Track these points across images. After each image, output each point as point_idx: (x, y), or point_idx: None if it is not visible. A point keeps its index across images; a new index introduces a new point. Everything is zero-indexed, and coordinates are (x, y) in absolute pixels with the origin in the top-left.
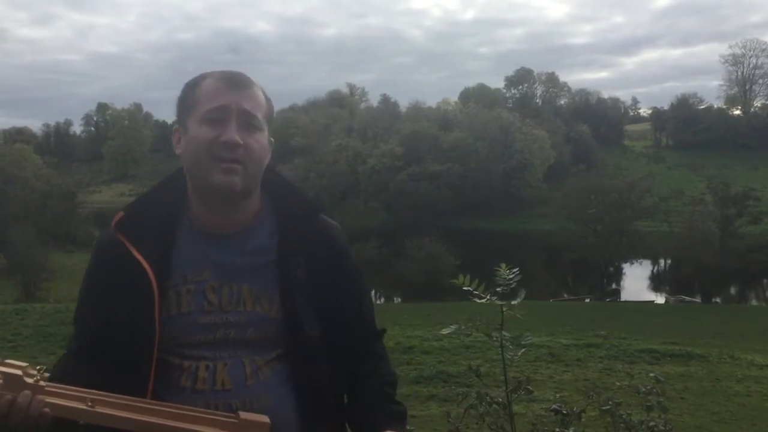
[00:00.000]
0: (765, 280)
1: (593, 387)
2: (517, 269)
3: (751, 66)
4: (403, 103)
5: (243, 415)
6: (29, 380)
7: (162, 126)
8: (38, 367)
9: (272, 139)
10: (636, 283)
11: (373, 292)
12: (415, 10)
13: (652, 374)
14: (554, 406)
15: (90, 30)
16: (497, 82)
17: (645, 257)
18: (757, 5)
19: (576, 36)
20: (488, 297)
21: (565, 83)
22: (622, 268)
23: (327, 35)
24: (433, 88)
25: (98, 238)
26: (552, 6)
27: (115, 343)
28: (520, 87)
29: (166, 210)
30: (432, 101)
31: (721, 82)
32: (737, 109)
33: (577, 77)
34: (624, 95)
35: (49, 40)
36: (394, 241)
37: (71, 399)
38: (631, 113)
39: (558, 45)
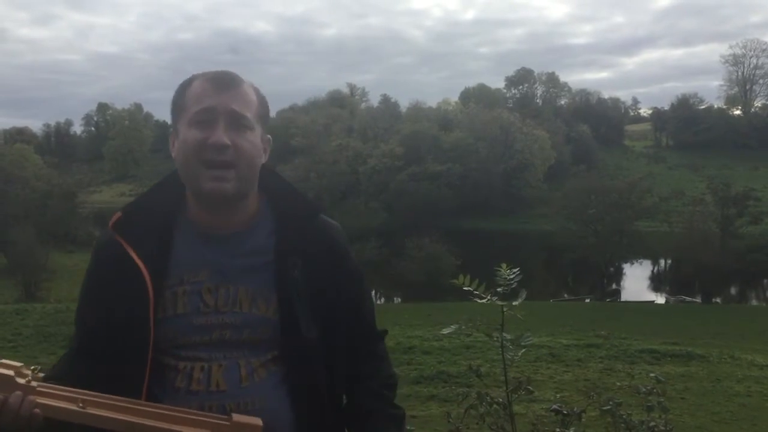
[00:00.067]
0: (765, 281)
1: (594, 387)
2: (518, 269)
3: (751, 66)
4: (404, 103)
5: (235, 417)
6: (21, 381)
7: (162, 126)
8: (32, 368)
9: (269, 137)
10: (636, 283)
11: (373, 293)
12: (415, 11)
13: (652, 374)
14: (555, 407)
15: (90, 30)
16: (498, 83)
17: (645, 257)
18: (757, 5)
19: (576, 36)
20: (489, 297)
21: (566, 83)
22: (622, 269)
23: (327, 35)
24: (434, 88)
25: (98, 238)
26: (552, 6)
27: (112, 342)
28: (521, 87)
29: (164, 210)
30: (432, 101)
31: (722, 83)
32: (738, 109)
33: (578, 77)
34: (624, 95)
35: (49, 40)
36: (395, 241)
37: (63, 400)
38: (632, 113)
39: (558, 45)
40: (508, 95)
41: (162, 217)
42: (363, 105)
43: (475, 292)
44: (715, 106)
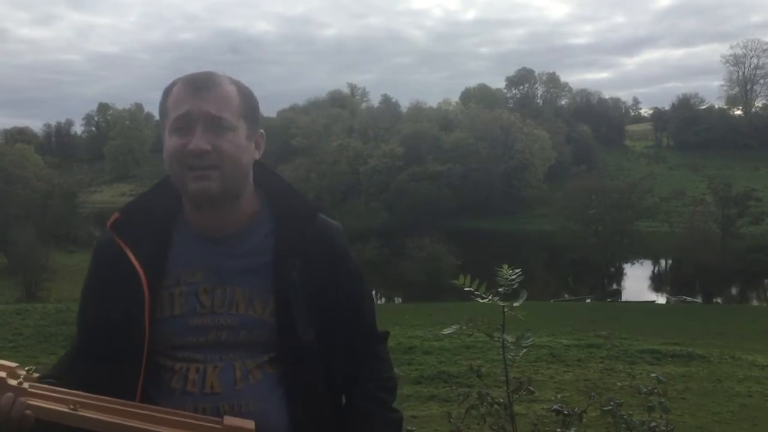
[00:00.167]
0: (766, 281)
1: (594, 387)
2: (519, 270)
3: (752, 66)
4: (404, 104)
5: (227, 420)
6: (13, 382)
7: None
8: (27, 368)
9: (262, 131)
10: (637, 283)
11: (374, 293)
12: (415, 11)
13: (653, 375)
14: (555, 407)
15: (91, 30)
16: (498, 83)
17: (646, 257)
18: (758, 5)
19: (577, 36)
20: (490, 297)
21: (566, 83)
22: (623, 269)
23: (328, 35)
24: (434, 89)
25: (98, 238)
26: (553, 6)
27: (108, 342)
28: (521, 87)
29: (162, 211)
30: (433, 101)
31: (723, 83)
32: (738, 109)
33: (578, 77)
34: (625, 95)
35: (49, 40)
36: (395, 241)
37: (55, 401)
38: (632, 113)
39: (559, 45)
40: (508, 95)
41: (160, 218)
42: (363, 105)
43: (476, 292)
44: (716, 106)
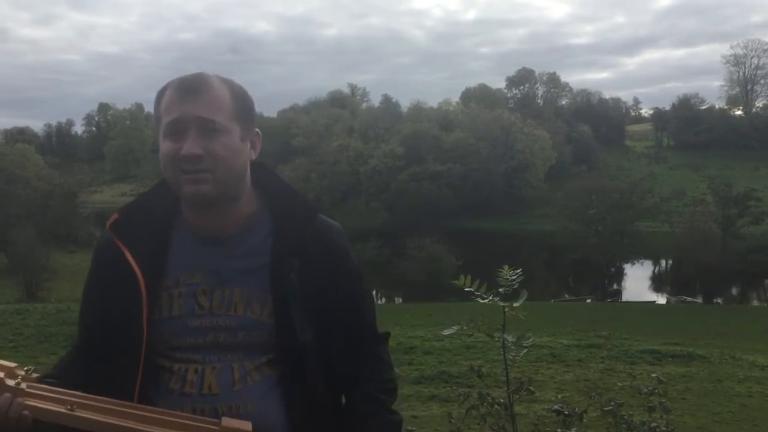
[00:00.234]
0: (766, 281)
1: (595, 387)
2: (519, 270)
3: (752, 66)
4: (405, 104)
5: (225, 421)
6: (11, 383)
7: None
8: (26, 368)
9: (257, 131)
10: (637, 283)
11: (374, 293)
12: (416, 11)
13: (653, 375)
14: (556, 407)
15: (91, 30)
16: (498, 83)
17: (646, 258)
18: (758, 5)
19: (577, 36)
20: (490, 297)
21: (567, 83)
22: (623, 269)
23: (328, 35)
24: (435, 89)
25: (98, 239)
26: (553, 6)
27: (107, 342)
28: (522, 87)
29: (162, 212)
30: (433, 101)
31: (723, 83)
32: (739, 109)
33: (579, 77)
34: (625, 95)
35: (50, 40)
36: (396, 241)
37: (52, 402)
38: (633, 113)
39: (559, 45)
40: (509, 95)
41: (160, 219)
42: (364, 105)
43: (476, 292)
44: (717, 107)
